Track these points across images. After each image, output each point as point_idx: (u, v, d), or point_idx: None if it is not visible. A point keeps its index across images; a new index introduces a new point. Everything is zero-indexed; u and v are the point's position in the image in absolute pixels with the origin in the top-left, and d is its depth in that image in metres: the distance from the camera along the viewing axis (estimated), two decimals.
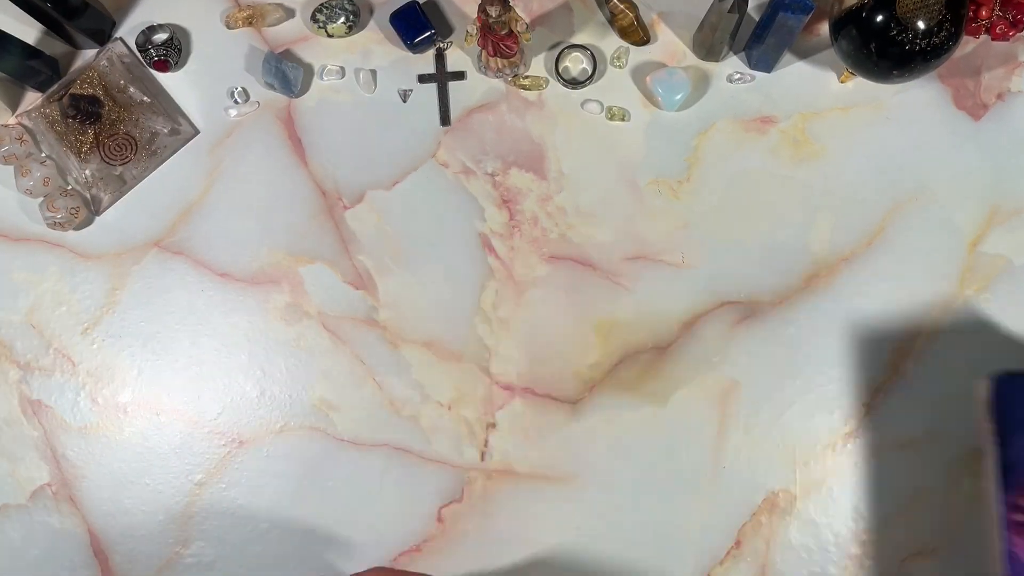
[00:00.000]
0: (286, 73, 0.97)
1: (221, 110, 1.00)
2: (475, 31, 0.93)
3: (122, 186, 0.98)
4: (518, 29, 0.91)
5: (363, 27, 1.00)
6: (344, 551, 0.95)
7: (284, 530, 0.95)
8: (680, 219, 0.97)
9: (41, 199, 0.96)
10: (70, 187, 0.98)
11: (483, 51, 0.95)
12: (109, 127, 0.98)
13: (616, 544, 0.94)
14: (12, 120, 0.99)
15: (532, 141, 0.99)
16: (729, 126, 0.98)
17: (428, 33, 0.98)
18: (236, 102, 0.99)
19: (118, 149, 0.98)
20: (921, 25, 0.85)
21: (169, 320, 0.97)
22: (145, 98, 0.99)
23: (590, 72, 0.98)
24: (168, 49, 0.98)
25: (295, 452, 0.96)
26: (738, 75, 0.98)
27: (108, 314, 0.98)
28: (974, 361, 0.94)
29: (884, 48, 0.86)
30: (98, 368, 0.97)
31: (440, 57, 1.00)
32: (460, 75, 1.00)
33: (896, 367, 0.95)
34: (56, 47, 1.00)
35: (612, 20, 0.98)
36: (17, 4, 0.93)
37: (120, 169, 0.98)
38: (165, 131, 0.98)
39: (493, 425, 0.95)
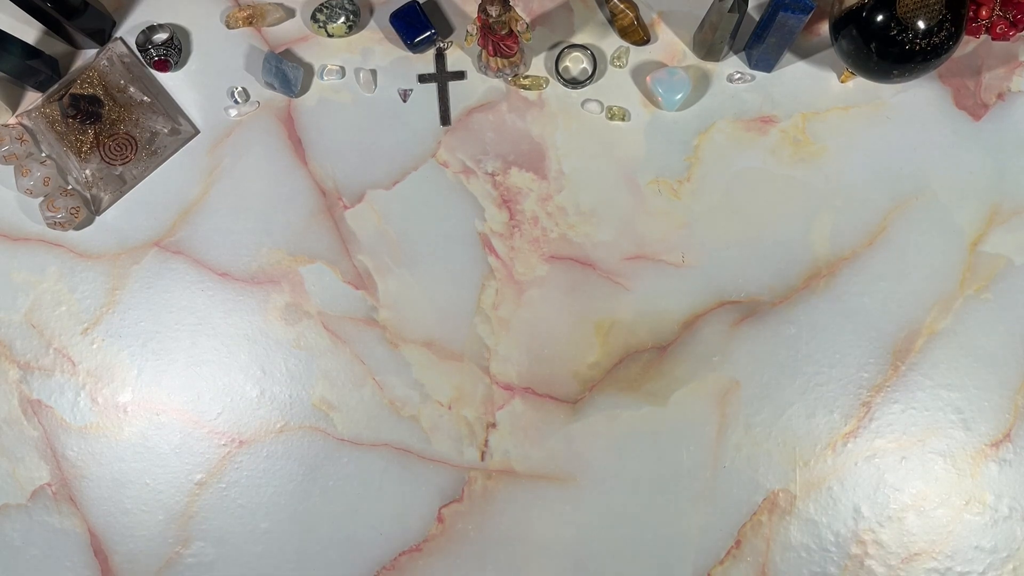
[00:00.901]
0: (286, 73, 0.97)
1: (221, 110, 1.00)
2: (475, 31, 0.93)
3: (122, 186, 0.98)
4: (518, 29, 0.91)
5: (363, 27, 1.00)
6: (344, 551, 0.95)
7: (284, 530, 0.95)
8: (680, 219, 0.97)
9: (41, 199, 0.96)
10: (70, 187, 0.98)
11: (483, 51, 0.95)
12: (109, 127, 0.98)
13: (616, 544, 0.94)
14: (12, 120, 0.99)
15: (532, 141, 0.98)
16: (729, 126, 0.98)
17: (428, 33, 0.98)
18: (236, 102, 0.99)
19: (118, 149, 0.98)
20: (921, 25, 0.85)
21: (169, 320, 0.97)
22: (145, 98, 0.99)
23: (590, 72, 0.98)
24: (168, 49, 0.98)
25: (295, 452, 0.96)
26: (738, 75, 0.98)
27: (108, 314, 0.98)
28: (974, 361, 0.94)
29: (884, 48, 0.86)
30: (98, 368, 0.97)
31: (440, 57, 1.00)
32: (460, 75, 1.00)
33: (896, 367, 0.95)
34: (56, 47, 1.00)
35: (612, 20, 0.98)
36: (17, 4, 0.93)
37: (120, 169, 0.98)
38: (165, 131, 0.98)
39: (493, 425, 0.95)
